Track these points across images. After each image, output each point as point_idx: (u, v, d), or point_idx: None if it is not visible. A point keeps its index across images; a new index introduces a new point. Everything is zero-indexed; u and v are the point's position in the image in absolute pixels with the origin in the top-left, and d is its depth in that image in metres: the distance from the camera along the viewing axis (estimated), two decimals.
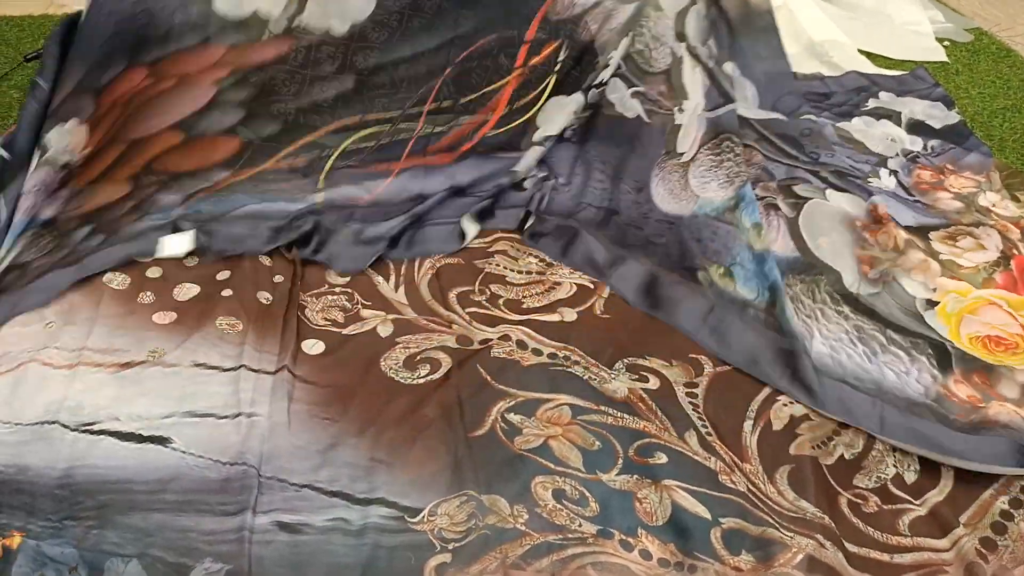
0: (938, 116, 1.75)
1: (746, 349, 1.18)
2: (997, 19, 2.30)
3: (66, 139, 1.37)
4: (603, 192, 1.48)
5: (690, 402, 1.11)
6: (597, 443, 1.05)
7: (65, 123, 1.38)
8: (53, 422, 1.02)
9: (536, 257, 1.34)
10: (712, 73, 1.51)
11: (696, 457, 1.04)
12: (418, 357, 1.15)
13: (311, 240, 1.32)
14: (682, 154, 1.46)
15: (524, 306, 1.25)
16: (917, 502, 1.02)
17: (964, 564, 0.95)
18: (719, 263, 1.31)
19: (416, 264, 1.31)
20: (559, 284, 1.29)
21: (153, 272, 1.24)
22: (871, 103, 1.79)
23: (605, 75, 1.51)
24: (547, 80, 1.51)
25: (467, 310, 1.23)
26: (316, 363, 1.14)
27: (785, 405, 1.11)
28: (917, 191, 1.54)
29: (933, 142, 1.67)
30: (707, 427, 1.08)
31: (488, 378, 1.12)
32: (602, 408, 1.09)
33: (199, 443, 1.01)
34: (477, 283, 1.28)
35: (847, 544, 0.96)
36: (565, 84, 1.52)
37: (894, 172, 1.58)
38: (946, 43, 2.16)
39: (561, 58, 1.51)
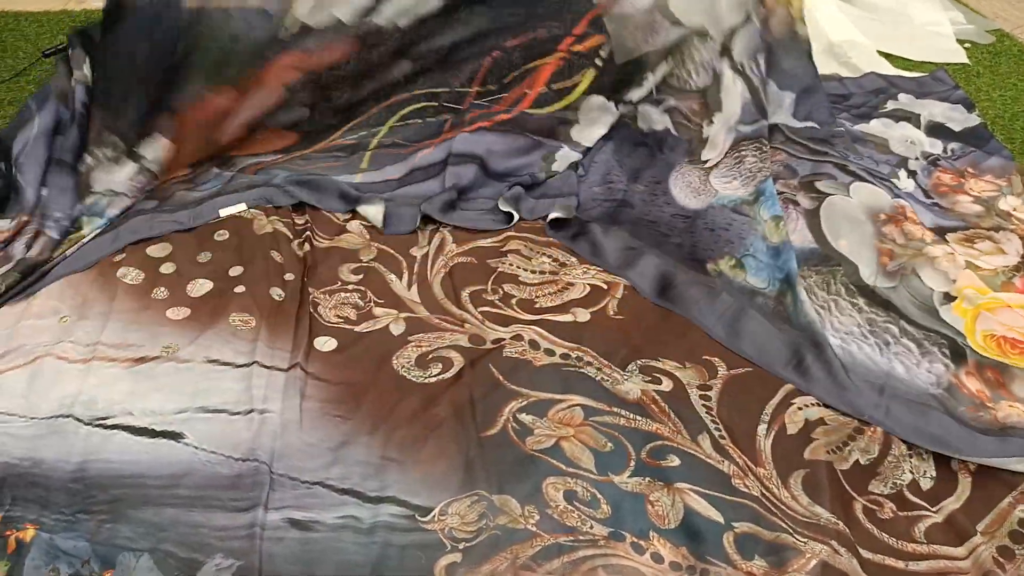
0: (958, 119, 1.74)
1: (756, 339, 1.18)
2: (1019, 20, 2.27)
3: (158, 152, 1.43)
4: (619, 187, 1.49)
5: (704, 405, 1.10)
6: (609, 445, 1.04)
7: (151, 136, 1.43)
8: (67, 416, 1.02)
9: (549, 257, 1.33)
10: (754, 88, 1.52)
11: (709, 460, 1.03)
12: (430, 356, 1.15)
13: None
14: (706, 161, 1.49)
15: (537, 306, 1.24)
16: (933, 509, 1.00)
17: (981, 573, 0.93)
18: (731, 254, 1.32)
19: (429, 263, 1.31)
20: (572, 284, 1.28)
21: (167, 268, 1.25)
22: (890, 105, 1.78)
23: (637, 95, 1.55)
24: (585, 70, 1.53)
25: (480, 309, 1.23)
26: (328, 360, 1.14)
27: (800, 409, 1.10)
28: (936, 194, 1.52)
29: (953, 145, 1.65)
30: (720, 430, 1.07)
31: (500, 378, 1.12)
32: (614, 409, 1.09)
33: (211, 439, 1.01)
34: (490, 282, 1.28)
35: (862, 550, 0.95)
36: (603, 83, 1.54)
37: (912, 174, 1.56)
38: (967, 45, 2.14)
39: (604, 54, 1.53)
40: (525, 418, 1.07)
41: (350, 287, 1.26)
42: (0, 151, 1.42)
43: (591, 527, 0.95)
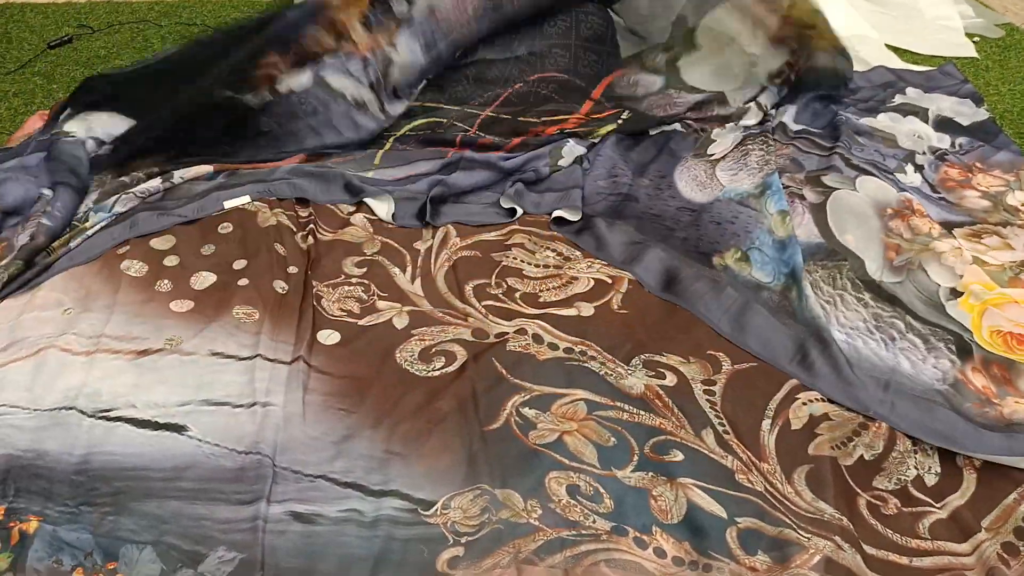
0: (966, 113, 1.72)
1: (761, 334, 1.18)
2: None
3: (191, 172, 1.44)
4: (623, 181, 1.49)
5: (707, 400, 1.10)
6: (612, 439, 1.04)
7: (194, 163, 1.45)
8: (71, 408, 1.02)
9: (554, 251, 1.33)
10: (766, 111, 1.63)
11: (713, 455, 1.03)
12: (433, 350, 1.15)
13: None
14: (712, 155, 1.50)
15: (541, 300, 1.24)
16: (938, 505, 1.00)
17: (986, 569, 0.93)
18: (737, 246, 1.31)
19: (433, 256, 1.31)
20: (576, 279, 1.28)
21: (171, 260, 1.24)
22: (897, 99, 1.76)
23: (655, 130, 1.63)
24: (606, 125, 1.62)
25: (483, 303, 1.23)
26: (332, 354, 1.14)
27: (804, 404, 1.10)
28: (943, 188, 1.51)
29: (961, 139, 1.64)
30: (724, 425, 1.06)
31: (504, 372, 1.11)
32: (618, 404, 1.08)
33: (215, 432, 1.01)
34: (494, 276, 1.27)
35: (865, 546, 0.94)
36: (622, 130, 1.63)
37: (920, 168, 1.55)
38: (976, 39, 2.12)
39: (624, 117, 1.63)
40: (528, 412, 1.07)
41: (354, 280, 1.26)
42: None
43: (594, 522, 0.95)
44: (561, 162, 1.50)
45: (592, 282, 1.27)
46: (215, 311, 1.17)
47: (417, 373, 1.11)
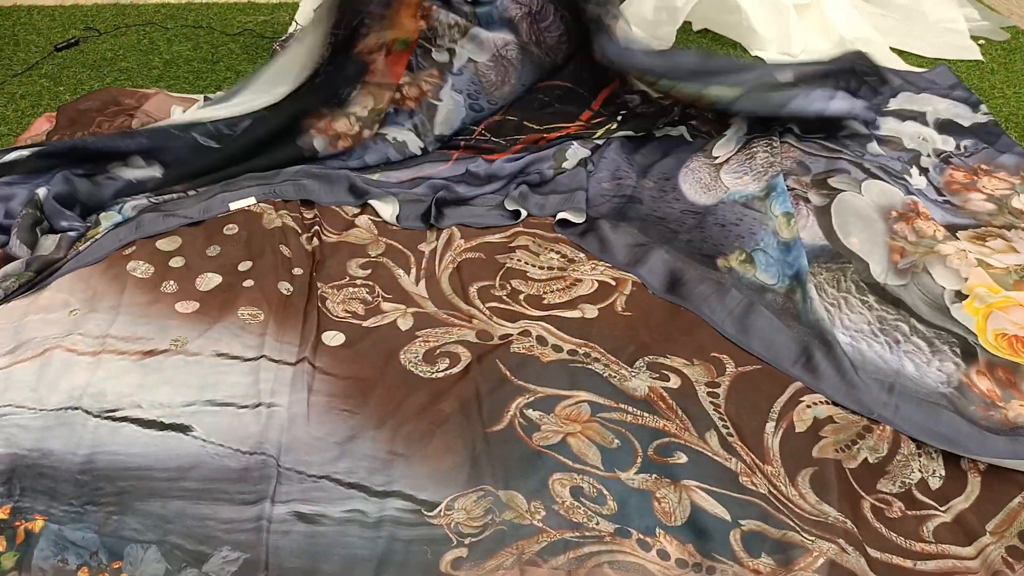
0: (964, 115, 1.72)
1: (765, 336, 1.18)
2: None
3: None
4: (628, 183, 1.49)
5: (711, 402, 1.10)
6: (616, 441, 1.04)
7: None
8: (76, 408, 1.03)
9: (558, 253, 1.33)
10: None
11: (716, 458, 1.03)
12: (438, 351, 1.15)
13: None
14: (716, 156, 1.50)
15: (545, 302, 1.24)
16: (942, 508, 1.00)
17: (990, 573, 0.93)
18: (741, 248, 1.31)
19: (437, 258, 1.31)
20: (580, 281, 1.28)
21: (176, 261, 1.25)
22: (892, 104, 1.75)
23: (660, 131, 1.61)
24: (607, 126, 1.62)
25: (487, 305, 1.23)
26: (336, 355, 1.14)
27: (808, 407, 1.10)
28: (948, 191, 1.51)
29: (966, 141, 1.64)
30: (728, 428, 1.06)
31: (507, 373, 1.12)
32: (622, 406, 1.08)
33: (219, 432, 1.02)
34: (498, 278, 1.28)
35: (869, 549, 0.94)
36: (622, 129, 1.62)
37: (924, 171, 1.55)
38: (981, 41, 2.12)
39: (620, 118, 1.64)
40: (532, 414, 1.07)
41: (358, 282, 1.26)
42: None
43: (597, 523, 0.95)
44: (565, 164, 1.50)
45: (596, 284, 1.27)
46: (220, 312, 1.17)
47: (421, 374, 1.12)
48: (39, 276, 1.22)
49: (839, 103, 1.56)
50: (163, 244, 1.28)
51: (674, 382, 1.12)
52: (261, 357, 1.11)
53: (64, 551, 0.89)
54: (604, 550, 0.93)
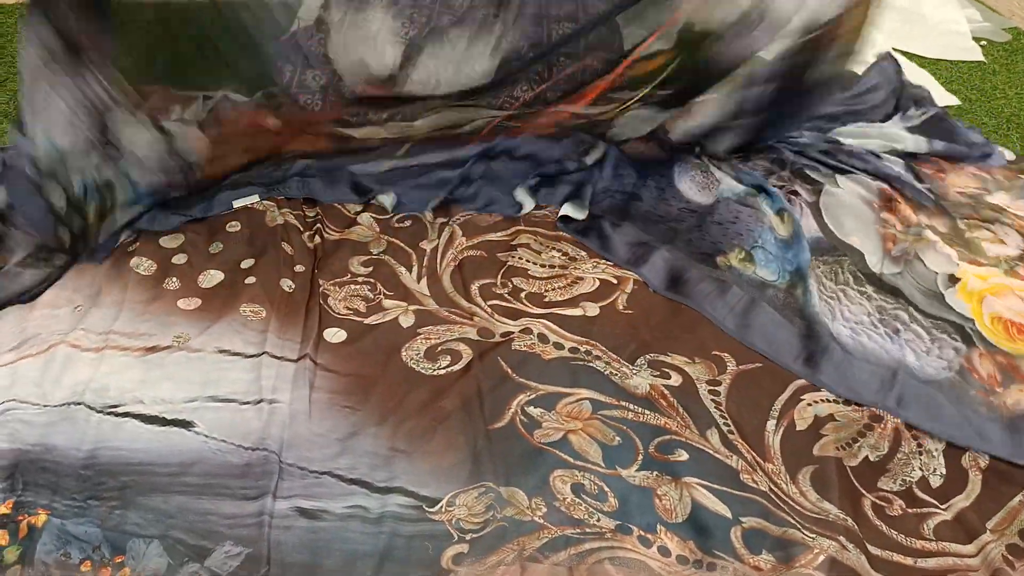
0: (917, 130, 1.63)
1: (766, 332, 1.18)
2: None
3: (189, 141, 1.32)
4: (628, 180, 1.48)
5: (712, 400, 1.10)
6: (617, 438, 1.04)
7: (184, 122, 1.31)
8: (79, 403, 1.03)
9: (559, 251, 1.33)
10: None
11: (717, 455, 1.03)
12: (439, 348, 1.15)
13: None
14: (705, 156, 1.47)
15: (546, 300, 1.24)
16: (943, 506, 1.00)
17: (990, 571, 0.93)
18: (740, 246, 1.32)
19: (439, 256, 1.31)
20: (582, 279, 1.28)
21: (179, 258, 1.25)
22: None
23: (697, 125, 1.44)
24: (641, 90, 1.41)
25: (489, 303, 1.23)
26: (337, 352, 1.14)
27: (809, 405, 1.10)
28: (928, 179, 1.50)
29: (938, 144, 1.58)
30: (729, 425, 1.07)
31: (509, 371, 1.12)
32: (623, 404, 1.08)
33: (221, 428, 1.02)
34: (499, 276, 1.28)
35: (870, 547, 0.94)
36: (656, 100, 1.42)
37: (902, 157, 1.53)
38: (983, 42, 2.12)
39: (667, 74, 1.39)
40: (533, 411, 1.07)
41: (360, 279, 1.26)
42: None
43: (598, 520, 0.95)
44: (588, 159, 1.46)
45: (597, 282, 1.27)
46: (222, 309, 1.17)
47: (422, 371, 1.12)
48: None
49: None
50: (166, 241, 1.28)
51: (675, 380, 1.12)
52: (263, 354, 1.11)
53: (67, 545, 0.90)
54: (605, 546, 0.93)
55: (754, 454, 1.04)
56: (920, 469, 1.03)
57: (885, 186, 1.42)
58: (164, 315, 1.16)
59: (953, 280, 1.26)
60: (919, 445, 1.06)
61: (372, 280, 1.26)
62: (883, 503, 1.00)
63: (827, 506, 0.98)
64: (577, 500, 0.97)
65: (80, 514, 0.92)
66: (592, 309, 1.23)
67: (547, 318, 1.21)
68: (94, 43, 1.21)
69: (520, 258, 1.31)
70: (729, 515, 0.96)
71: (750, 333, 1.19)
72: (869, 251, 1.31)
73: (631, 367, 1.13)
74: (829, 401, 1.11)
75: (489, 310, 1.22)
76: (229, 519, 0.93)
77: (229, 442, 1.01)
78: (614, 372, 1.13)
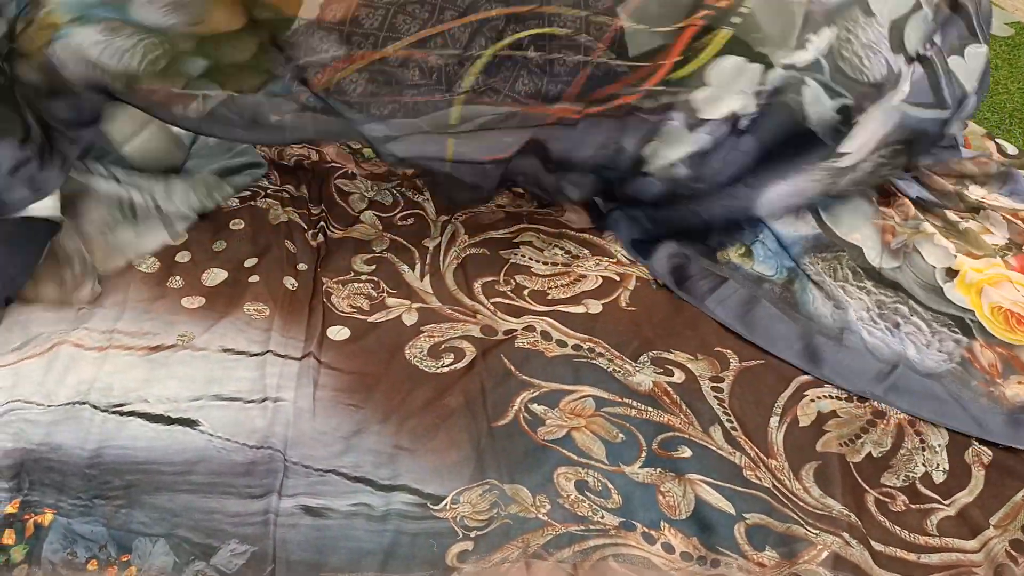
0: None
1: (766, 326, 1.18)
2: None
3: None
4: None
5: (715, 396, 1.10)
6: (621, 435, 1.05)
7: None
8: (84, 403, 1.03)
9: (562, 249, 1.33)
10: (931, 64, 1.23)
11: (721, 452, 1.03)
12: (442, 346, 1.16)
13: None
14: (842, 155, 1.23)
15: (549, 297, 1.24)
16: (946, 502, 1.00)
17: (994, 566, 0.93)
18: (740, 241, 1.31)
19: (442, 253, 1.32)
20: (585, 276, 1.28)
21: (182, 257, 1.25)
22: None
23: (802, 58, 1.15)
24: (719, 30, 1.14)
25: (492, 300, 1.23)
26: (341, 350, 1.14)
27: (812, 401, 1.10)
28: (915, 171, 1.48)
29: None
30: (732, 422, 1.07)
31: (512, 368, 1.12)
32: (626, 401, 1.09)
33: (226, 426, 1.02)
34: (502, 273, 1.28)
35: (873, 543, 0.95)
36: (740, 45, 1.15)
37: None
38: None
39: (744, 12, 1.13)
40: (536, 408, 1.07)
41: (363, 277, 1.26)
42: None
43: (602, 517, 0.96)
44: (650, 148, 1.19)
45: (600, 280, 1.28)
46: (226, 307, 1.17)
47: (426, 369, 1.12)
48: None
49: None
50: None
51: (678, 377, 1.12)
52: (267, 352, 1.12)
53: (73, 544, 0.90)
54: (609, 543, 0.93)
55: (757, 450, 1.04)
56: (923, 465, 1.04)
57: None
58: (168, 314, 1.16)
59: (951, 274, 1.26)
60: (922, 441, 1.06)
61: (375, 278, 1.26)
62: (886, 499, 1.00)
63: (830, 502, 0.98)
64: (581, 497, 0.97)
65: (86, 513, 0.93)
66: (595, 306, 1.23)
67: (550, 315, 1.21)
68: None
69: (523, 256, 1.31)
70: (733, 511, 0.97)
71: (750, 328, 1.19)
72: (868, 245, 1.31)
73: (634, 364, 1.14)
74: (832, 397, 1.11)
75: (492, 308, 1.22)
76: (234, 517, 0.94)
77: (234, 440, 1.01)
78: (617, 369, 1.13)
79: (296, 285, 1.22)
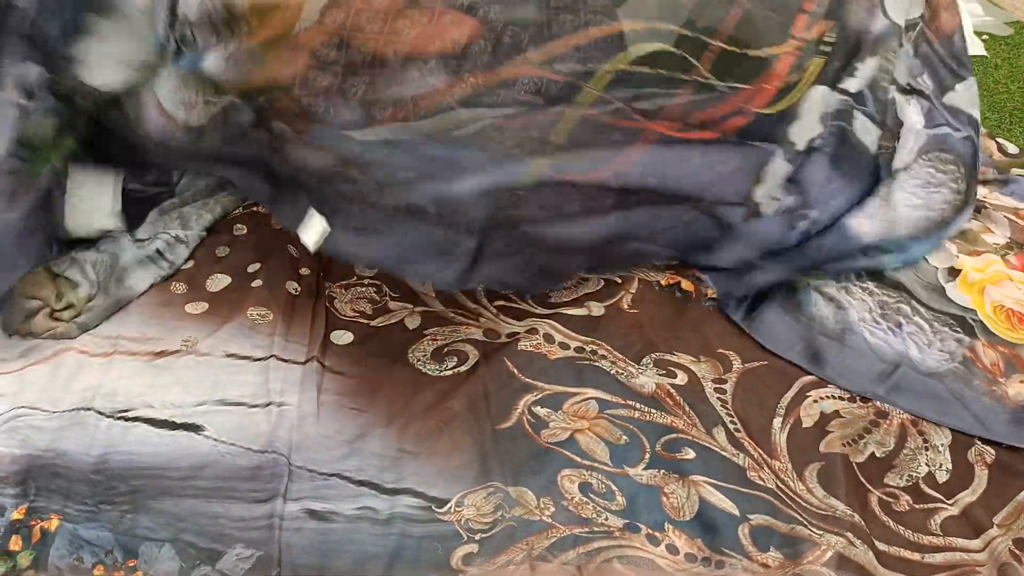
0: None
1: (769, 326, 1.18)
2: None
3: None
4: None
5: (718, 398, 1.10)
6: (624, 437, 1.05)
7: None
8: (89, 409, 1.04)
9: None
10: (930, 100, 1.28)
11: (724, 453, 1.03)
12: (445, 349, 1.16)
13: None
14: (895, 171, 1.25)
15: (551, 300, 1.24)
16: (949, 502, 1.00)
17: (997, 565, 0.93)
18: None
19: None
20: (586, 279, 1.28)
21: (186, 263, 1.26)
22: None
23: (853, 85, 1.18)
24: (812, 61, 1.13)
25: (494, 303, 1.23)
26: (344, 354, 1.15)
27: (815, 402, 1.10)
28: None
29: None
30: (736, 423, 1.07)
31: (515, 371, 1.12)
32: (629, 403, 1.09)
33: (230, 431, 1.03)
34: None
35: (877, 542, 0.95)
36: (827, 74, 1.15)
37: None
38: (985, 37, 2.12)
39: (830, 40, 1.13)
40: (540, 411, 1.07)
41: (366, 281, 1.27)
42: None
43: (606, 519, 0.96)
44: (759, 191, 1.14)
45: (602, 282, 1.28)
46: (230, 312, 1.18)
47: (429, 373, 1.12)
48: None
49: None
50: None
51: (681, 379, 1.13)
52: (271, 357, 1.12)
53: (79, 550, 0.90)
54: (613, 545, 0.93)
55: (761, 451, 1.04)
56: (926, 465, 1.04)
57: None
58: (172, 319, 1.17)
59: (953, 273, 1.26)
60: (925, 440, 1.06)
61: (378, 282, 1.26)
62: (890, 499, 1.00)
63: (834, 502, 0.99)
64: (585, 499, 0.98)
65: (92, 518, 0.93)
66: (597, 309, 1.23)
67: (552, 318, 1.21)
68: None
69: None
70: (737, 512, 0.97)
71: (753, 327, 1.19)
72: None
73: (637, 366, 1.14)
74: (835, 398, 1.11)
75: (495, 311, 1.22)
76: (239, 522, 0.94)
77: (238, 445, 1.01)
78: (620, 371, 1.13)
79: (299, 290, 1.23)
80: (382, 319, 1.21)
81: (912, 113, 1.25)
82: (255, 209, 1.36)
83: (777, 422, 1.08)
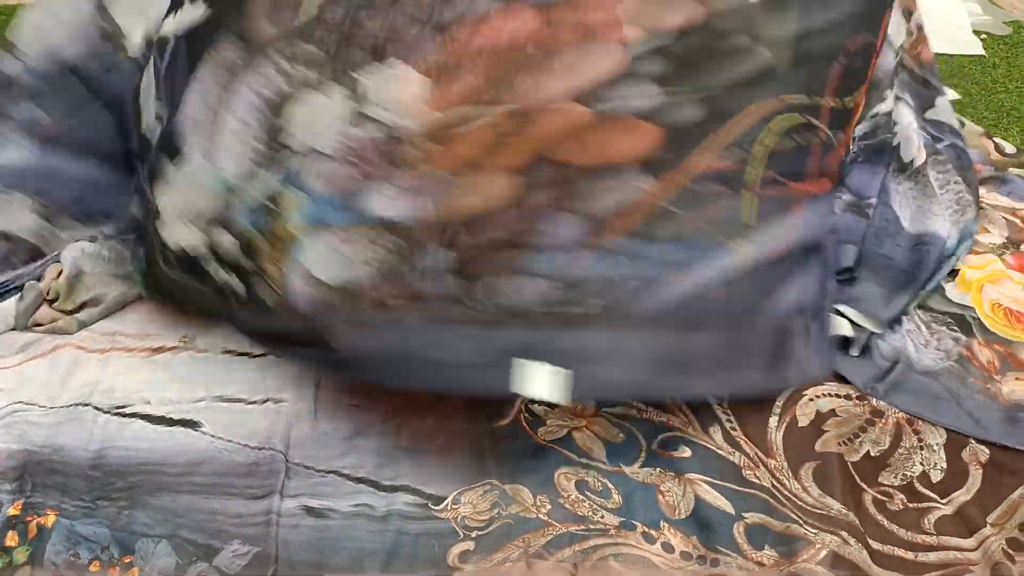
0: None
1: None
2: None
3: (392, 89, 0.87)
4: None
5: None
6: (621, 435, 1.05)
7: (383, 62, 0.87)
8: (86, 404, 1.04)
9: None
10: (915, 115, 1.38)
11: (720, 452, 1.04)
12: None
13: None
14: (911, 162, 1.30)
15: None
16: (943, 501, 1.01)
17: (991, 564, 0.94)
18: None
19: None
20: None
21: None
22: None
23: (884, 107, 1.28)
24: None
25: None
26: None
27: (811, 400, 1.11)
28: None
29: None
30: (732, 422, 1.07)
31: None
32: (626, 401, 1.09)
33: (228, 427, 1.03)
34: None
35: (871, 541, 0.95)
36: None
37: None
38: (983, 36, 2.12)
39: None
40: (537, 409, 1.08)
41: None
42: None
43: (602, 517, 0.96)
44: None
45: None
46: None
47: None
48: None
49: None
50: None
51: None
52: (268, 353, 1.12)
53: (76, 546, 0.90)
54: (609, 543, 0.94)
55: (757, 450, 1.04)
56: (921, 464, 1.04)
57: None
58: (170, 316, 1.17)
59: (951, 273, 1.26)
60: (920, 440, 1.07)
61: None
62: (884, 498, 1.01)
63: (829, 501, 0.99)
64: (581, 497, 0.98)
65: (89, 514, 0.93)
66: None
67: None
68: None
69: None
70: (732, 511, 0.97)
71: None
72: None
73: None
74: (830, 396, 1.12)
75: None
76: (236, 518, 0.94)
77: (236, 441, 1.01)
78: None
79: None
80: None
81: (906, 113, 1.32)
82: None
83: (773, 421, 1.08)
